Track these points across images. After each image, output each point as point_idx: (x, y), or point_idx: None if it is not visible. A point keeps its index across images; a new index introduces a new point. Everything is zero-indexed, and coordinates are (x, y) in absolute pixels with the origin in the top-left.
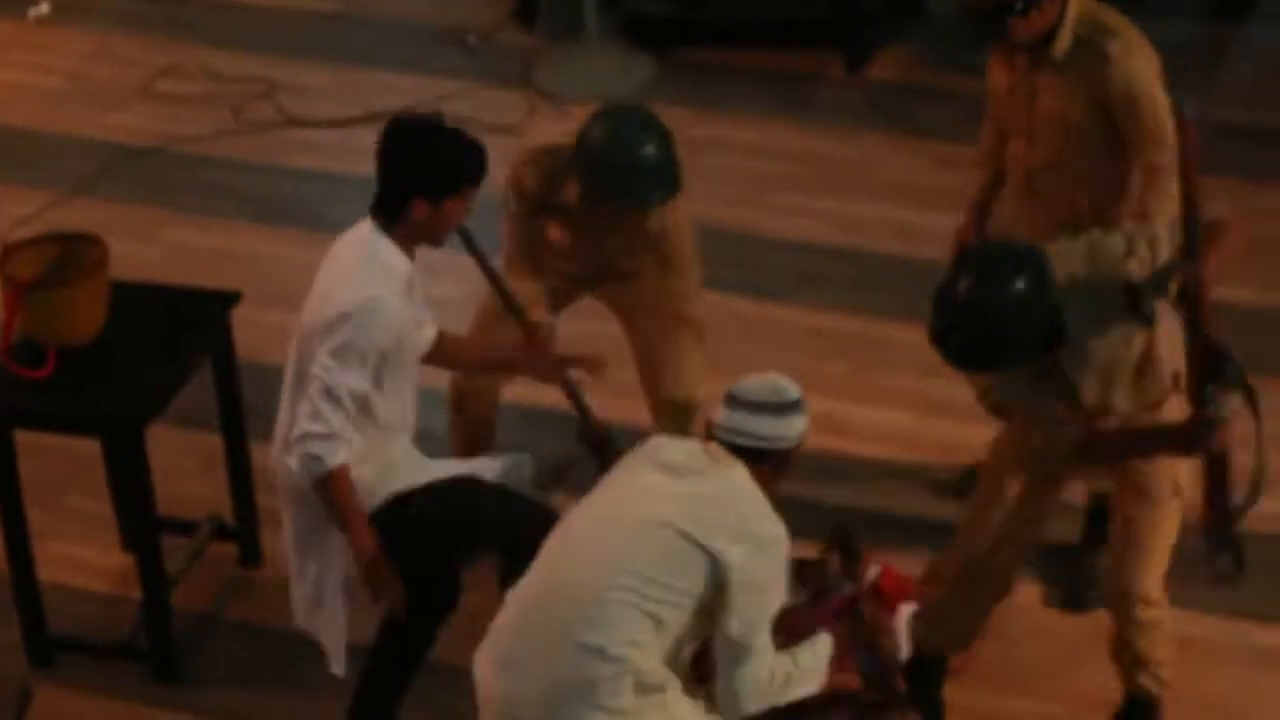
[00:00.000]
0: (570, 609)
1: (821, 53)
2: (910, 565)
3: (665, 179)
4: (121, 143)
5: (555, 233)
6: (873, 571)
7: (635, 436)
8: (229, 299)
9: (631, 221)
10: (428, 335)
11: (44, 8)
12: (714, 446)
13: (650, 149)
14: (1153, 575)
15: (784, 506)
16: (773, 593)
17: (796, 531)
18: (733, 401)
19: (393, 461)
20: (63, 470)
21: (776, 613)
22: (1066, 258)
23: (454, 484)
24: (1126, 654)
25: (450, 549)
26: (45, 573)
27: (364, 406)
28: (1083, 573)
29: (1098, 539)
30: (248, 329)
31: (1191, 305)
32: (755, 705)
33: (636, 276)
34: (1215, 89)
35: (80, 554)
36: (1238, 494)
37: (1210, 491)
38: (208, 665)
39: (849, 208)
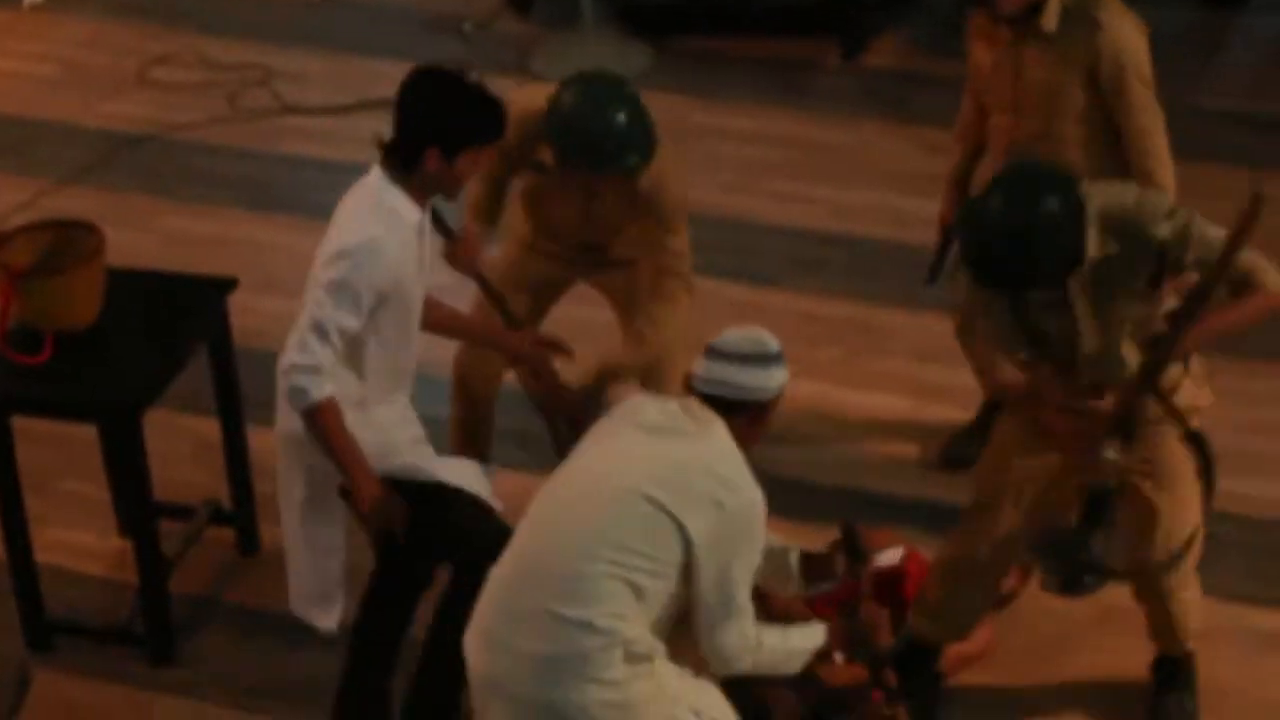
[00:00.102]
0: (552, 584)
1: (818, 40)
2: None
3: (639, 144)
4: (117, 130)
5: (542, 195)
6: (898, 554)
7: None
8: (225, 285)
9: (613, 186)
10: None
11: None
12: (692, 402)
13: (621, 115)
14: (1185, 549)
15: (779, 491)
16: (749, 556)
17: (791, 515)
18: (713, 353)
19: (387, 426)
20: (59, 456)
21: (755, 577)
22: (1115, 196)
23: (434, 490)
24: (1159, 626)
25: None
26: (43, 557)
27: (358, 351)
28: (1080, 557)
29: (1095, 523)
30: (244, 315)
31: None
32: (739, 664)
33: (634, 265)
34: (1214, 78)
35: (77, 539)
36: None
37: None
38: (205, 649)
39: (845, 194)
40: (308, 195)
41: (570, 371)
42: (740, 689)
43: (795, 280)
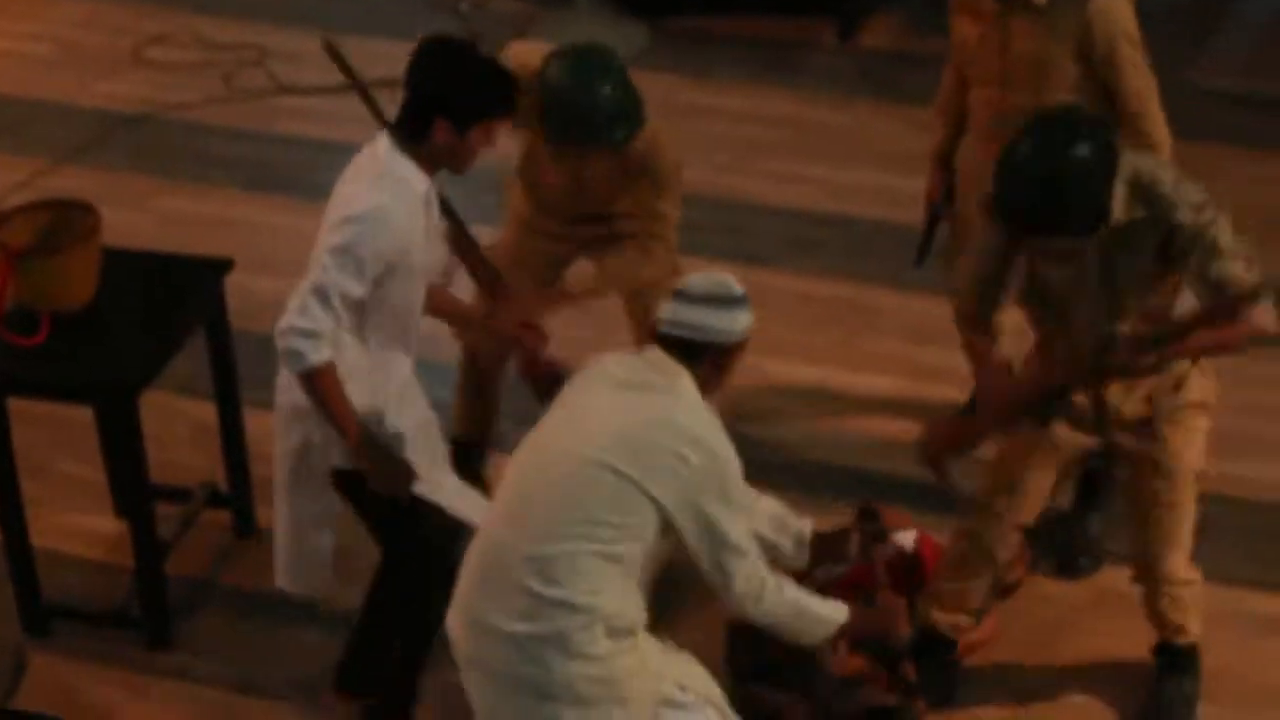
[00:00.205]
0: (527, 564)
1: (813, 20)
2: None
3: (625, 118)
4: (113, 110)
5: (536, 164)
6: (910, 537)
7: None
8: (221, 266)
9: (603, 157)
10: (440, 256)
11: None
12: (657, 353)
13: (606, 90)
14: (1180, 555)
15: (776, 472)
16: (727, 501)
17: (789, 496)
18: (679, 295)
19: (389, 398)
20: (55, 438)
21: (746, 516)
22: (1154, 168)
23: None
24: (1160, 621)
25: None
26: (39, 540)
27: (361, 317)
28: (1076, 540)
29: (1090, 506)
30: (240, 296)
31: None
32: (763, 605)
33: (634, 239)
34: (1209, 58)
35: (74, 522)
36: None
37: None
38: (202, 633)
39: (840, 174)
40: (304, 175)
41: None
42: (752, 700)
43: (790, 261)
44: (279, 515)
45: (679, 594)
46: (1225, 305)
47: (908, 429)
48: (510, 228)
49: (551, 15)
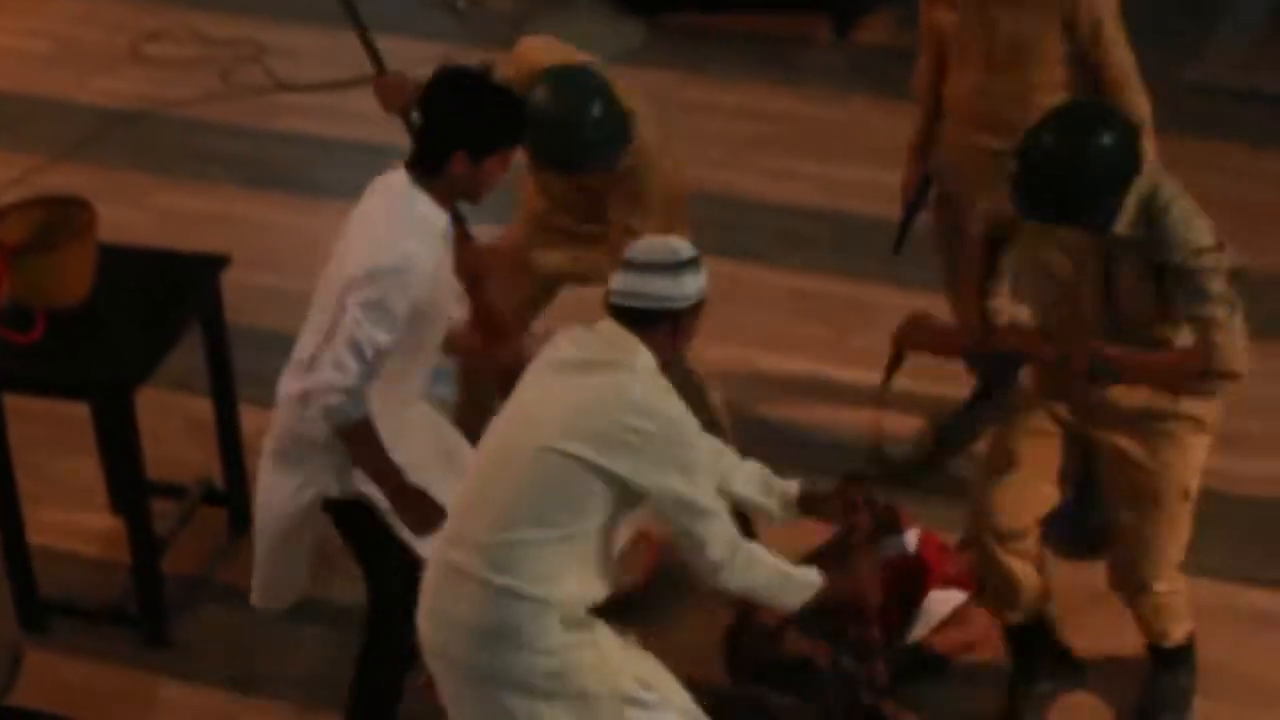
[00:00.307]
0: (480, 553)
1: (809, 16)
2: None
3: (609, 141)
4: (110, 107)
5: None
6: (911, 538)
7: None
8: (218, 263)
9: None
10: (455, 311)
11: None
12: (609, 326)
13: (590, 113)
14: (1165, 569)
15: (768, 467)
16: (689, 471)
17: None
18: (626, 265)
19: (403, 428)
20: (52, 434)
21: (711, 477)
22: (1173, 196)
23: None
24: (1143, 627)
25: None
26: (35, 537)
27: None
28: (1081, 521)
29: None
30: (237, 293)
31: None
32: (741, 572)
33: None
34: (1207, 52)
35: (70, 518)
36: None
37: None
38: (198, 629)
39: (834, 170)
40: (302, 172)
41: None
42: (752, 702)
43: (784, 256)
44: (261, 531)
45: (679, 594)
46: (1198, 352)
47: (901, 427)
48: (520, 224)
49: (549, 11)
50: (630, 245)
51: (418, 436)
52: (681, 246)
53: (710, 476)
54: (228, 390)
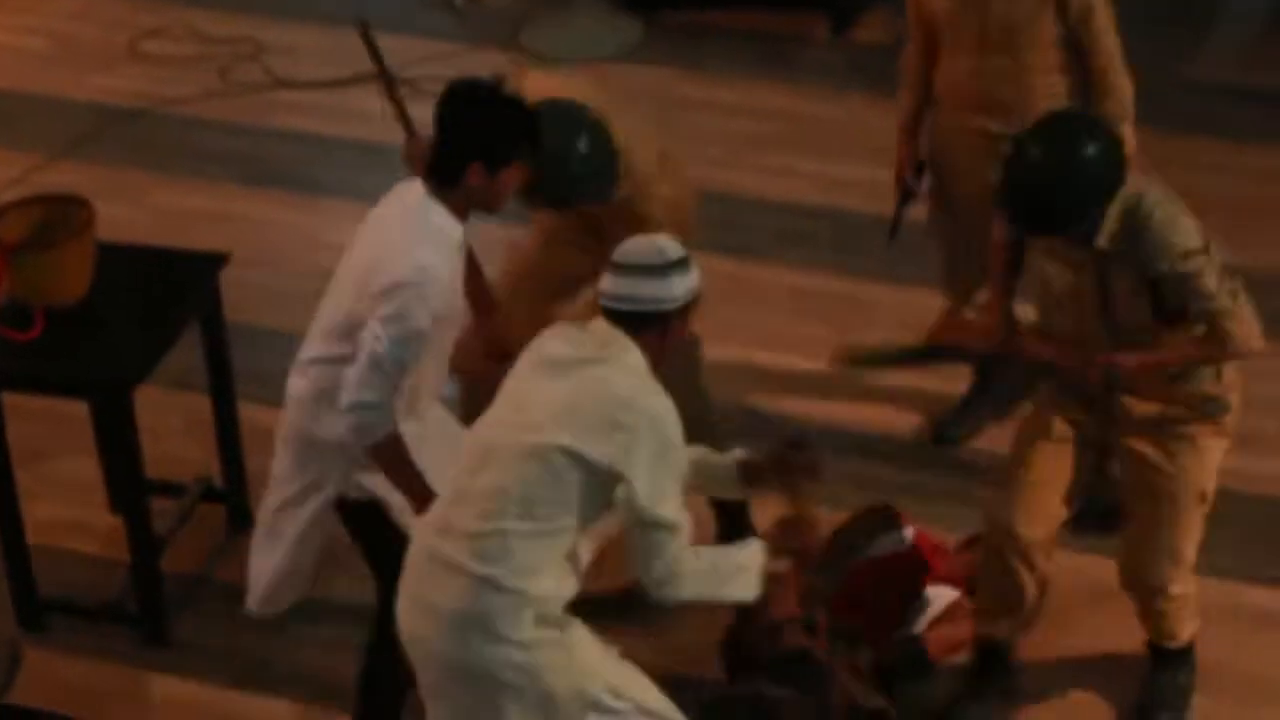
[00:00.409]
0: (465, 542)
1: (806, 14)
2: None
3: (595, 176)
4: (108, 104)
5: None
6: (908, 534)
7: None
8: (217, 260)
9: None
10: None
11: None
12: (600, 325)
13: (576, 149)
14: (1171, 570)
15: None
16: (666, 465)
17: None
18: (615, 268)
19: (420, 439)
20: (51, 433)
21: (681, 483)
22: (1156, 205)
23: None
24: (1149, 627)
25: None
26: (34, 536)
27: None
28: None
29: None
30: (236, 290)
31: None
32: (676, 585)
33: None
34: (1204, 50)
35: (69, 516)
36: None
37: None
38: (198, 627)
39: (833, 168)
40: (300, 170)
41: None
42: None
43: (782, 254)
44: (270, 532)
45: None
46: (1211, 337)
47: (899, 425)
48: (534, 236)
49: (546, 10)
50: (619, 246)
51: (435, 441)
52: (669, 247)
53: (680, 484)
54: (226, 388)
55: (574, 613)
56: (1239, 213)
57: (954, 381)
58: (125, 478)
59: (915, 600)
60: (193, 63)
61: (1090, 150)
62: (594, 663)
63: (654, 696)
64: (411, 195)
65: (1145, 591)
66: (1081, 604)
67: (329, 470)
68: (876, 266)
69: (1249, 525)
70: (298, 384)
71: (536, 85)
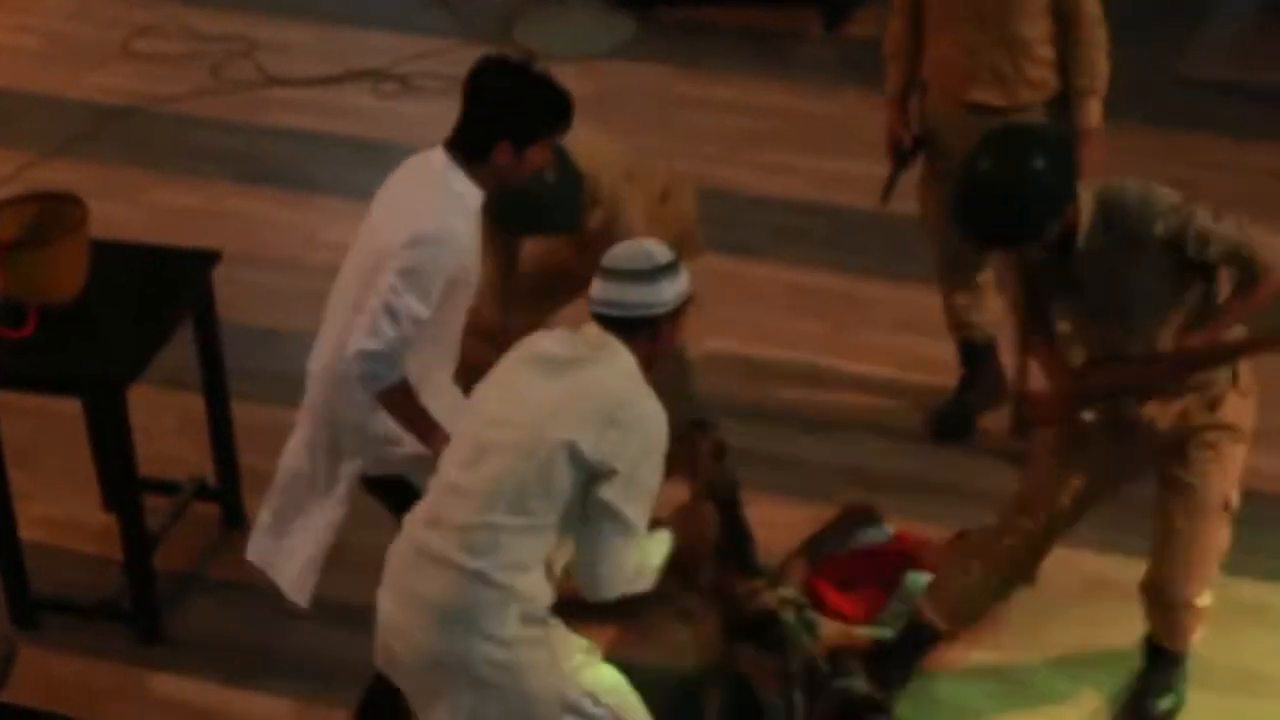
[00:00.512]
0: (456, 536)
1: (800, 10)
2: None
3: (563, 204)
4: (101, 102)
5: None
6: (889, 529)
7: None
8: (210, 258)
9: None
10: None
11: None
12: (591, 330)
13: (545, 176)
14: (1196, 582)
15: (765, 465)
16: (647, 468)
17: (779, 490)
18: (604, 273)
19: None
20: (44, 431)
21: (655, 492)
22: (1118, 192)
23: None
24: (1158, 631)
25: None
26: (27, 534)
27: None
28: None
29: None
30: (229, 288)
31: None
32: (612, 586)
33: None
34: (1198, 47)
35: (62, 515)
36: None
37: None
38: (191, 625)
39: (828, 164)
40: (293, 167)
41: None
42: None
43: (779, 251)
44: (274, 491)
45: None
46: (1245, 276)
47: (896, 421)
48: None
49: (540, 6)
50: (609, 251)
51: (446, 395)
52: (657, 251)
53: (654, 493)
54: (220, 386)
55: (556, 613)
56: (1240, 211)
57: (948, 376)
58: (119, 476)
59: (897, 589)
60: (186, 60)
61: (1040, 163)
62: (575, 666)
63: (632, 704)
64: (432, 163)
65: (1168, 604)
66: (1073, 597)
67: (354, 451)
68: (873, 263)
69: (1244, 520)
70: (321, 361)
71: None
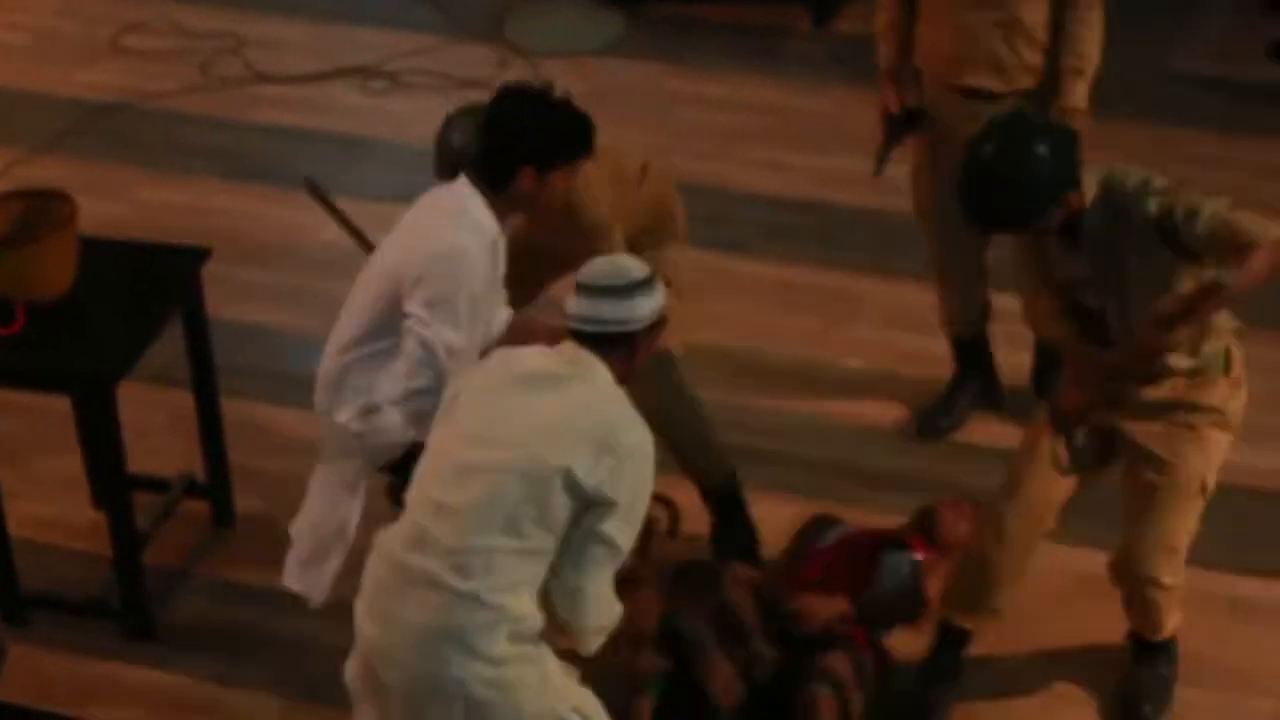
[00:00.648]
0: (445, 558)
1: (789, 6)
2: (879, 518)
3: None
4: (90, 99)
5: None
6: (847, 526)
7: None
8: (199, 255)
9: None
10: (502, 316)
11: None
12: (568, 346)
13: (456, 135)
14: (1166, 560)
15: (755, 462)
16: (644, 499)
17: (769, 487)
18: (579, 289)
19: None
20: (33, 428)
21: (641, 520)
22: (1120, 175)
23: None
24: (1134, 617)
25: None
26: (16, 531)
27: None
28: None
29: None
30: (218, 285)
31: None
32: (598, 608)
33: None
34: (1187, 41)
35: (51, 512)
36: None
37: None
38: (181, 622)
39: (818, 161)
40: (282, 164)
41: None
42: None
43: (770, 248)
44: (303, 523)
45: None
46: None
47: (886, 417)
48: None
49: (530, 4)
50: (584, 267)
51: None
52: (633, 267)
53: (641, 521)
54: (209, 383)
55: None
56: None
57: (940, 371)
58: (108, 473)
59: (875, 569)
60: (175, 57)
61: (1042, 149)
62: (563, 684)
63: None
64: (454, 190)
65: (1136, 580)
66: (1064, 595)
67: (355, 451)
68: (864, 259)
69: (1234, 517)
70: (330, 376)
71: None
